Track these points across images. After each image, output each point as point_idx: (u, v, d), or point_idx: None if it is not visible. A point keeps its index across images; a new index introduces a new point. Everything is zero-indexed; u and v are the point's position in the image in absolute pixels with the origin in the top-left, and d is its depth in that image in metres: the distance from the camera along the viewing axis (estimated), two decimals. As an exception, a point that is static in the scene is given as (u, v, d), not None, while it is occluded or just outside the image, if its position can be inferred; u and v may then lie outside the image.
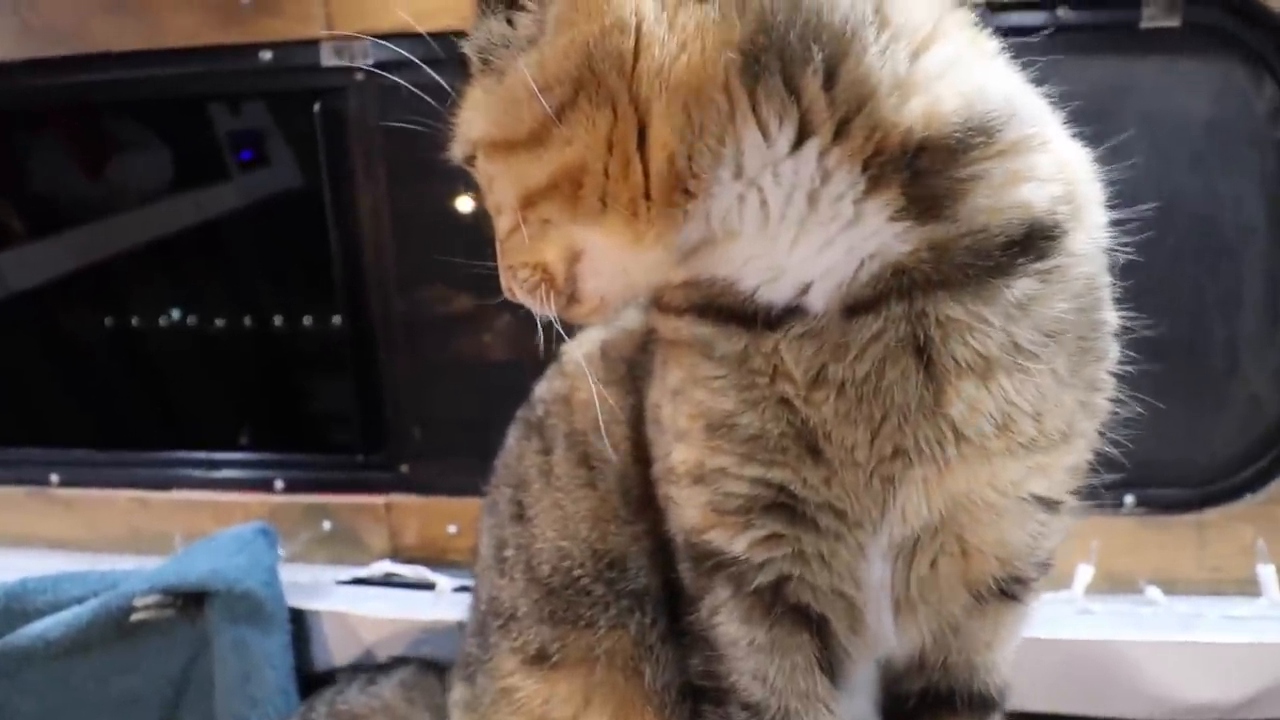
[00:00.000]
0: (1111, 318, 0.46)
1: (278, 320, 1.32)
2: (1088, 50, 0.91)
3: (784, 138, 0.41)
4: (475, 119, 0.47)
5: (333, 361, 1.23)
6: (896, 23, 0.41)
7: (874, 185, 0.41)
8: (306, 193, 1.18)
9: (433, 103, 0.49)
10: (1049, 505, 0.47)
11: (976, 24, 0.44)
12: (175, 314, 1.35)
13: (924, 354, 0.42)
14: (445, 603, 1.02)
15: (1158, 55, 0.92)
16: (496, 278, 0.51)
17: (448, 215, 1.10)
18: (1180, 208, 0.91)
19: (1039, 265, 0.42)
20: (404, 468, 1.18)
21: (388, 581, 1.09)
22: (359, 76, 1.08)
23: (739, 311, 0.46)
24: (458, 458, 1.13)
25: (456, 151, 0.49)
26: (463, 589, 1.03)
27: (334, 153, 1.12)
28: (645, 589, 0.57)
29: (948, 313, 0.42)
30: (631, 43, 0.40)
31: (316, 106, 1.09)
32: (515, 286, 0.48)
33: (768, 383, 0.45)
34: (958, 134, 0.40)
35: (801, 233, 0.42)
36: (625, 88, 0.41)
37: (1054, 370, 0.43)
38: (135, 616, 0.92)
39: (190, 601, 0.93)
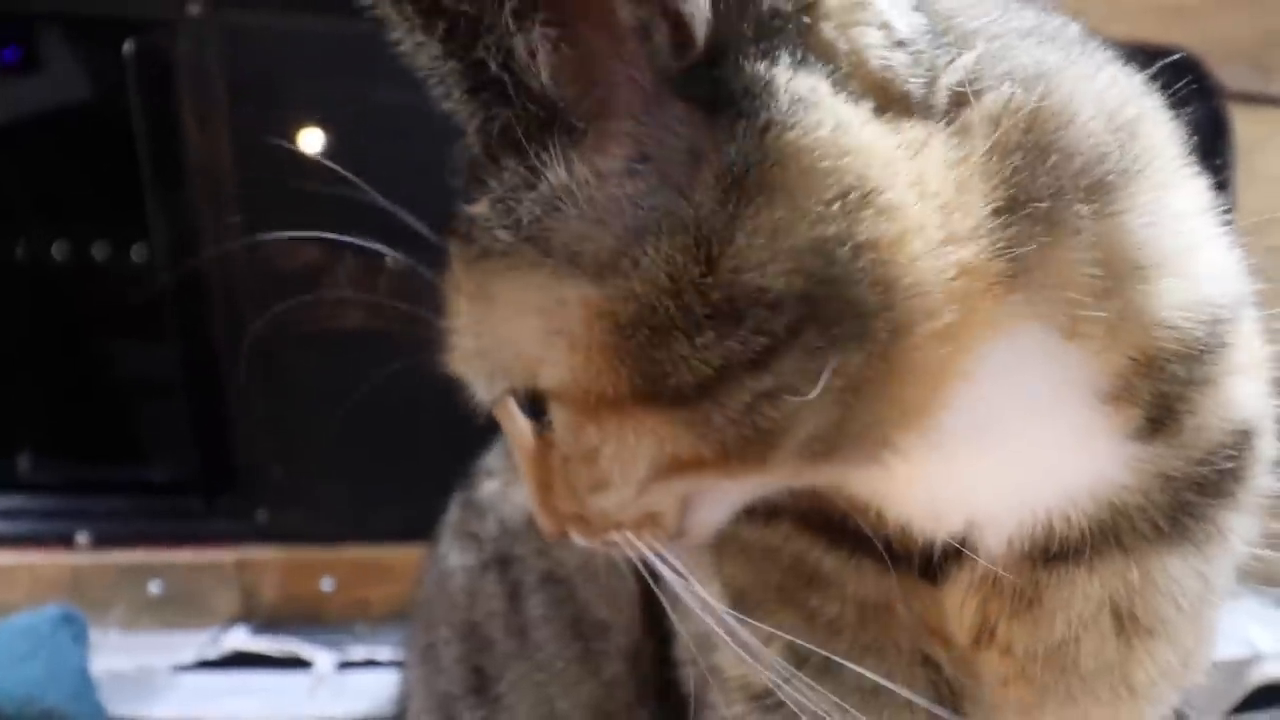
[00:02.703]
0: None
1: (67, 273, 0.96)
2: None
3: (1040, 337, 0.29)
4: (537, 346, 0.29)
5: (154, 349, 0.96)
6: (1148, 158, 0.29)
7: (1116, 394, 0.30)
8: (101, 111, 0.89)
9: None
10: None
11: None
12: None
13: (1123, 614, 0.33)
14: (327, 689, 0.84)
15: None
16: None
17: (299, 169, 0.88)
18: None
19: (1245, 494, 0.34)
20: (261, 512, 0.96)
21: (245, 661, 0.89)
22: (193, 11, 0.81)
23: (871, 541, 0.34)
24: (332, 493, 0.95)
25: (478, 383, 0.32)
26: (349, 665, 0.87)
27: (154, 104, 0.85)
28: None
29: (1171, 573, 0.33)
30: (893, 227, 0.26)
31: (128, 46, 0.81)
32: (590, 540, 0.33)
33: (908, 638, 0.34)
34: (1206, 327, 0.31)
35: (1003, 451, 0.31)
36: (884, 304, 0.26)
37: (1225, 597, 0.36)
38: None
39: (-40, 732, 0.69)
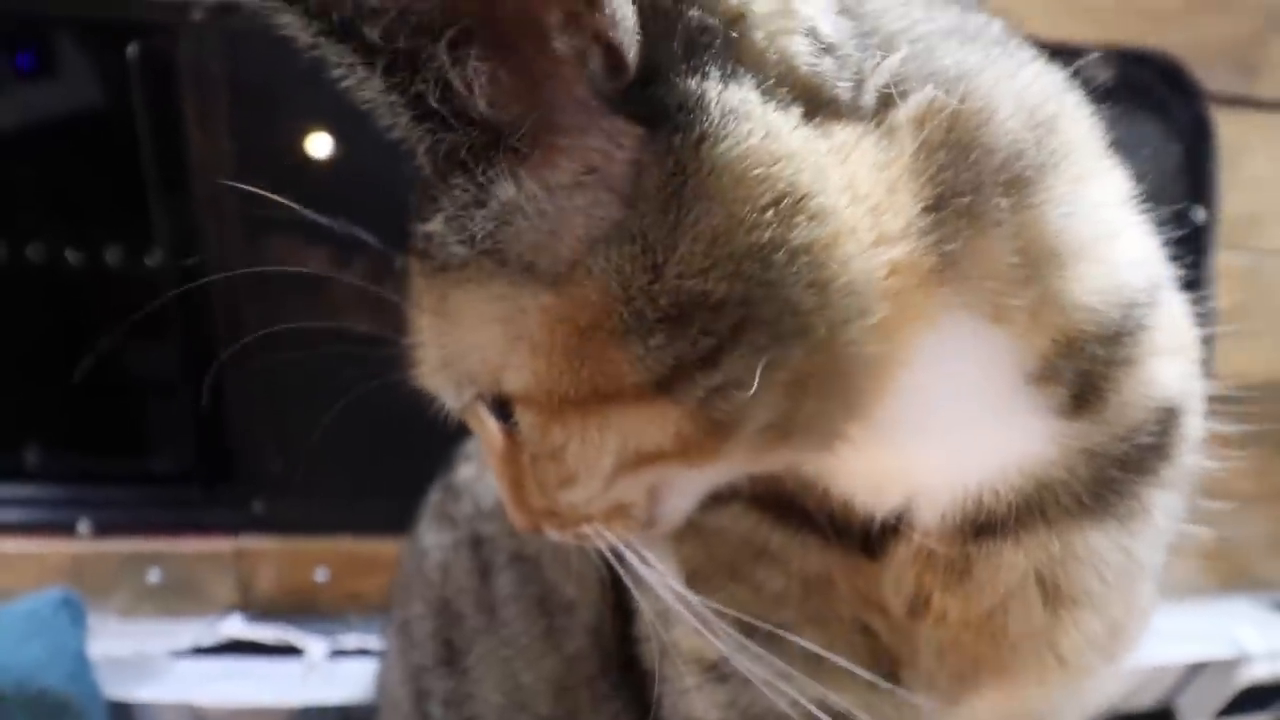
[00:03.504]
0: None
1: (78, 276, 0.98)
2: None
3: (969, 325, 0.30)
4: (500, 352, 0.30)
5: (157, 347, 0.98)
6: (1064, 152, 0.31)
7: (1041, 374, 0.32)
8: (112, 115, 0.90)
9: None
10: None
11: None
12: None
13: (1047, 584, 0.35)
14: (319, 676, 0.86)
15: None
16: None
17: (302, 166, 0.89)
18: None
19: (1170, 471, 0.35)
20: (257, 503, 0.98)
21: (240, 648, 0.91)
22: (196, 16, 0.83)
23: (815, 518, 0.36)
24: (327, 485, 0.96)
25: (447, 393, 0.33)
26: (341, 654, 0.88)
27: (158, 109, 0.87)
28: None
29: (1092, 545, 0.34)
30: (825, 230, 0.27)
31: (132, 49, 0.84)
32: (562, 534, 0.34)
33: (849, 609, 0.36)
34: (1122, 310, 0.32)
35: (938, 432, 0.32)
36: (820, 304, 0.27)
37: (1155, 572, 0.37)
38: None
39: (-38, 710, 0.71)
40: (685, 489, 0.34)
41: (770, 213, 0.27)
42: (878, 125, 0.29)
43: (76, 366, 1.05)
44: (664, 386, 0.28)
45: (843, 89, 0.29)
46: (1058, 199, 0.30)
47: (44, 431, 1.06)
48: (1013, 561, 0.34)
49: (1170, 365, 0.35)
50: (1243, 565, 1.09)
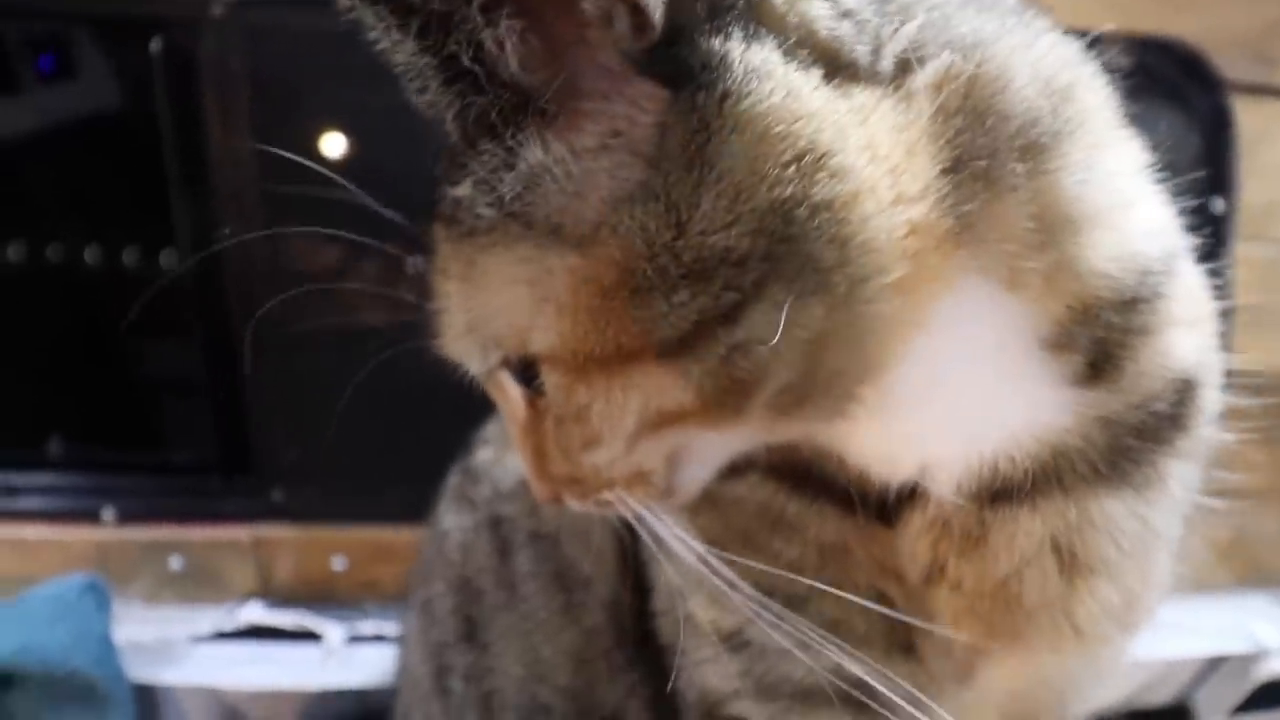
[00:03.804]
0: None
1: (98, 276, 1.00)
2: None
3: (985, 289, 0.31)
4: (527, 314, 0.30)
5: (177, 343, 1.00)
6: (1079, 120, 0.31)
7: (1057, 341, 0.32)
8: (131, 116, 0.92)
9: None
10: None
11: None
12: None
13: (1063, 552, 0.35)
14: (337, 661, 0.87)
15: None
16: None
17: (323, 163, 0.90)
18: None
19: (1186, 442, 0.35)
20: (276, 492, 0.99)
21: (260, 634, 0.92)
22: (217, 11, 0.85)
23: (832, 487, 0.36)
24: (344, 475, 0.97)
25: (472, 358, 0.34)
26: (358, 640, 0.89)
27: (180, 104, 0.89)
28: None
29: (1108, 512, 0.34)
30: (845, 188, 0.28)
31: (155, 44, 0.85)
32: (583, 502, 0.35)
33: (865, 577, 0.36)
34: (1137, 277, 0.32)
35: (953, 398, 0.32)
36: (840, 259, 0.28)
37: (1171, 544, 0.37)
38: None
39: (-9, 689, 0.73)
40: (704, 456, 0.34)
41: (792, 169, 0.27)
42: (896, 90, 0.30)
43: (98, 360, 1.07)
44: (687, 343, 0.29)
45: (861, 53, 0.29)
46: (1073, 166, 0.31)
47: (67, 424, 1.08)
48: (1029, 528, 0.34)
49: (1187, 336, 0.35)
50: (1259, 560, 1.08)
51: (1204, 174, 1.01)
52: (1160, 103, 0.92)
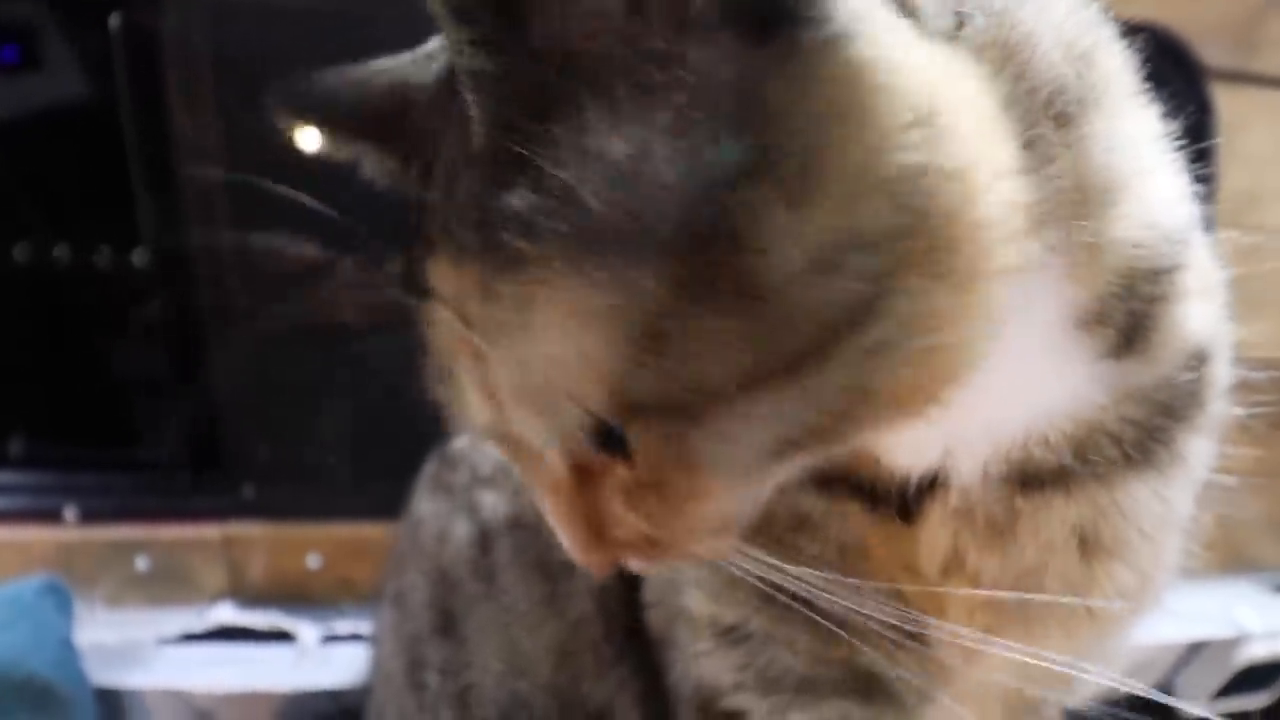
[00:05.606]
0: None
1: (65, 271, 0.96)
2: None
3: (1050, 268, 0.28)
4: (616, 353, 0.24)
5: (141, 336, 0.96)
6: (1103, 87, 0.29)
7: (1094, 315, 0.30)
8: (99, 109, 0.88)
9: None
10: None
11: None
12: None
13: (1088, 538, 0.34)
14: (311, 661, 0.84)
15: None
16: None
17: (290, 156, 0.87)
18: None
19: (1203, 417, 0.34)
20: (247, 489, 0.96)
21: (231, 635, 0.89)
22: (179, -14, 0.81)
23: (852, 482, 0.34)
24: (318, 470, 0.95)
25: (532, 430, 0.27)
26: (333, 639, 0.87)
27: (142, 90, 0.85)
28: None
29: (1135, 495, 0.33)
30: (965, 155, 0.25)
31: (114, 20, 0.82)
32: (657, 560, 0.30)
33: (882, 573, 0.34)
34: (1167, 245, 0.31)
35: (985, 381, 0.28)
36: (965, 237, 0.24)
37: (1184, 522, 0.36)
38: None
39: (-57, 697, 0.69)
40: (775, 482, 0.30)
41: (915, 132, 0.24)
42: (965, 50, 0.27)
43: (63, 355, 1.03)
44: (815, 353, 0.24)
45: (930, 6, 0.27)
46: (1100, 134, 0.29)
47: (30, 421, 1.04)
48: (1063, 515, 0.33)
49: (1201, 306, 0.34)
50: (1241, 546, 1.09)
51: (1184, 161, 1.01)
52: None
